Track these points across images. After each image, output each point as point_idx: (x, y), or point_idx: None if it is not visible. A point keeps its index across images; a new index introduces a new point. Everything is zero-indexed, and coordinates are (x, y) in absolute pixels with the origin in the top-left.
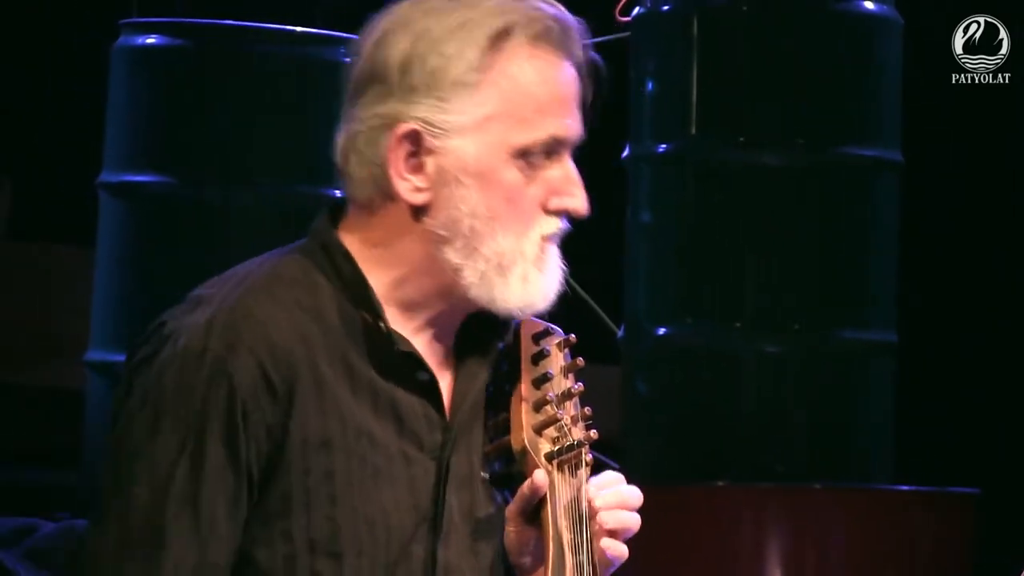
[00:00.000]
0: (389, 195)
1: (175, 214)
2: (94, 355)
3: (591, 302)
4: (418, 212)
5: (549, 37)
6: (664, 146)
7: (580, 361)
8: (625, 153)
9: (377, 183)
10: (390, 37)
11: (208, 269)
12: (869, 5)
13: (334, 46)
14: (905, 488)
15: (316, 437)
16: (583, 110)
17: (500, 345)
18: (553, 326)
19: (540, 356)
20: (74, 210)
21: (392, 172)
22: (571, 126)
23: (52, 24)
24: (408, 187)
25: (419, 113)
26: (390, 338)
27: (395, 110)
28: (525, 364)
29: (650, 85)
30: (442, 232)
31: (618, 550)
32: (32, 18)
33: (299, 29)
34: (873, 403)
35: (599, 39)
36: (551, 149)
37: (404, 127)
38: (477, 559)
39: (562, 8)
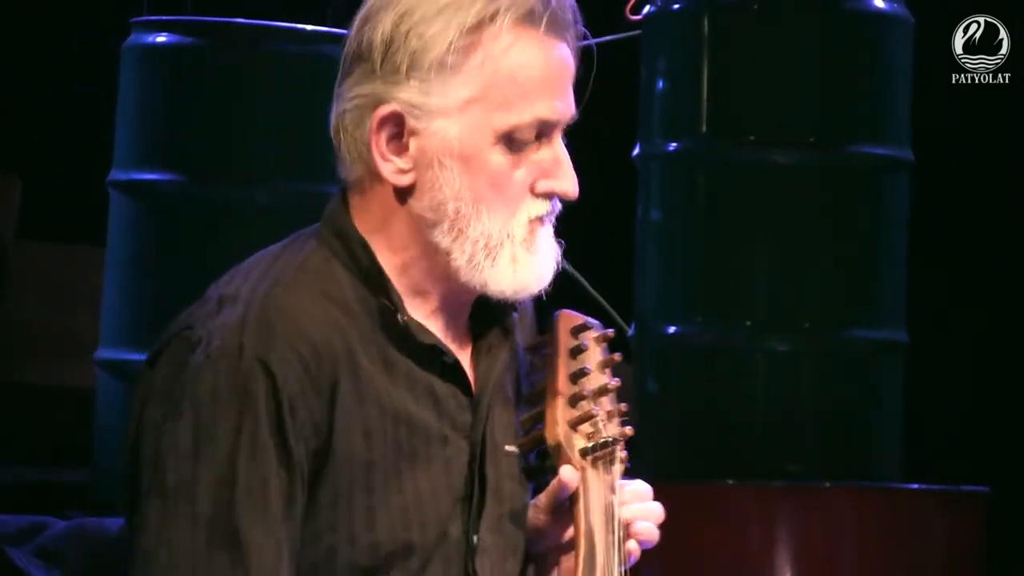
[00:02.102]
0: (377, 176)
1: (185, 212)
2: (104, 353)
3: (601, 300)
4: (404, 194)
5: (535, 18)
6: (674, 145)
7: (618, 356)
8: (635, 151)
9: (365, 163)
10: (376, 16)
11: (219, 267)
12: (880, 4)
13: (343, 44)
14: (915, 487)
15: (358, 428)
16: (576, 90)
17: (515, 315)
18: (592, 320)
19: (578, 351)
20: (84, 209)
21: (375, 153)
22: (559, 108)
23: (63, 22)
24: (392, 168)
25: (402, 94)
26: (409, 329)
27: (378, 90)
28: (562, 358)
29: (660, 84)
30: (428, 215)
31: (636, 552)
32: (42, 17)
33: (310, 27)
34: (883, 402)
35: (609, 37)
36: (539, 131)
37: (386, 108)
38: (503, 536)
39: None
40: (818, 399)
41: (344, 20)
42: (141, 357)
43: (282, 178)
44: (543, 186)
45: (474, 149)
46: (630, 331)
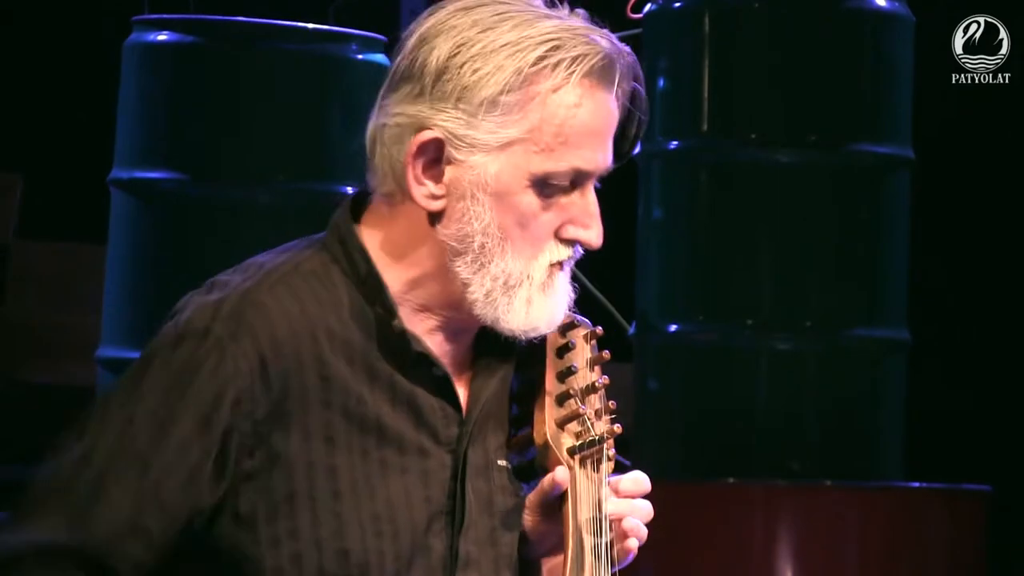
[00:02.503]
0: (408, 195)
1: (186, 211)
2: (106, 352)
3: (603, 299)
4: (433, 219)
5: (593, 71)
6: (676, 143)
7: (606, 354)
8: (636, 150)
9: (397, 180)
10: (434, 40)
11: (220, 266)
12: (881, 2)
13: (347, 43)
14: (917, 485)
15: (319, 432)
16: (621, 139)
17: (521, 342)
18: (580, 318)
19: (565, 349)
20: (85, 207)
21: (410, 175)
22: (599, 160)
23: (64, 20)
24: (424, 192)
25: (446, 122)
26: (403, 336)
27: (424, 114)
28: (550, 357)
29: (662, 82)
30: (454, 243)
31: (632, 549)
32: (44, 15)
33: (311, 26)
34: (885, 400)
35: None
36: (573, 180)
37: (429, 133)
38: (496, 548)
39: (615, 41)
40: (820, 398)
41: (345, 19)
42: None
43: (284, 177)
44: (569, 232)
45: (508, 188)
46: (631, 330)
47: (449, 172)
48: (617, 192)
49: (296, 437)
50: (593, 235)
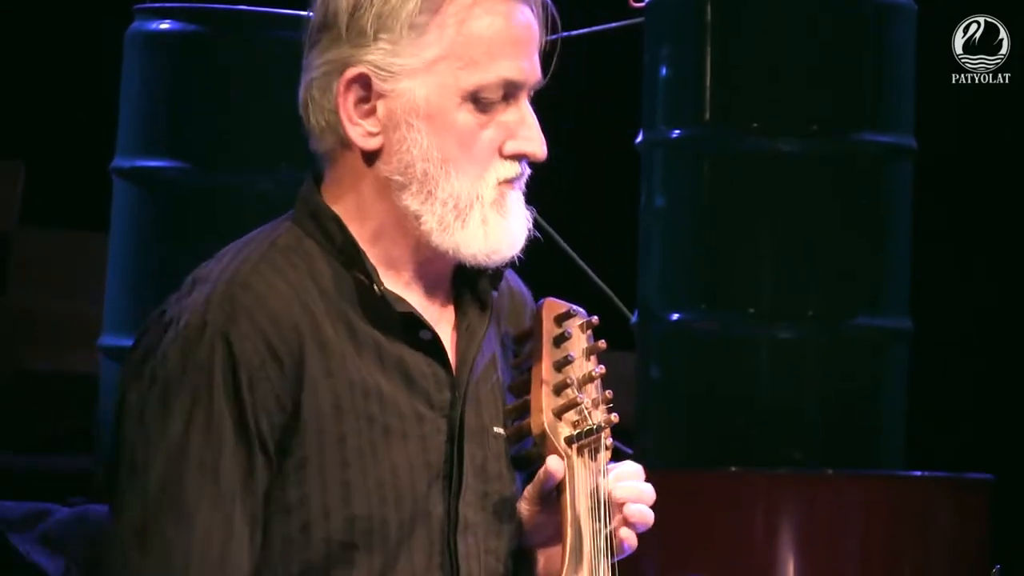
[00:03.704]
0: (346, 143)
1: (188, 199)
2: (107, 340)
3: (605, 288)
4: (372, 158)
5: None
6: (678, 132)
7: (602, 343)
8: (639, 139)
9: (334, 131)
10: None
11: None
12: None
13: None
14: (920, 474)
15: (327, 402)
16: (541, 54)
17: (494, 293)
18: (576, 307)
19: (562, 338)
20: (87, 195)
21: (343, 117)
22: (525, 68)
23: (66, 8)
24: (360, 132)
25: (368, 56)
26: (385, 300)
27: (345, 55)
28: (546, 346)
29: (664, 70)
30: (397, 177)
31: (632, 540)
32: (47, 2)
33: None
34: (888, 389)
35: (613, 24)
36: (506, 92)
37: (353, 71)
38: (489, 513)
39: None
40: (822, 387)
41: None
42: None
43: (285, 165)
44: (511, 147)
45: (441, 109)
46: (633, 318)
47: (381, 106)
48: (619, 180)
49: (309, 407)
50: (535, 146)
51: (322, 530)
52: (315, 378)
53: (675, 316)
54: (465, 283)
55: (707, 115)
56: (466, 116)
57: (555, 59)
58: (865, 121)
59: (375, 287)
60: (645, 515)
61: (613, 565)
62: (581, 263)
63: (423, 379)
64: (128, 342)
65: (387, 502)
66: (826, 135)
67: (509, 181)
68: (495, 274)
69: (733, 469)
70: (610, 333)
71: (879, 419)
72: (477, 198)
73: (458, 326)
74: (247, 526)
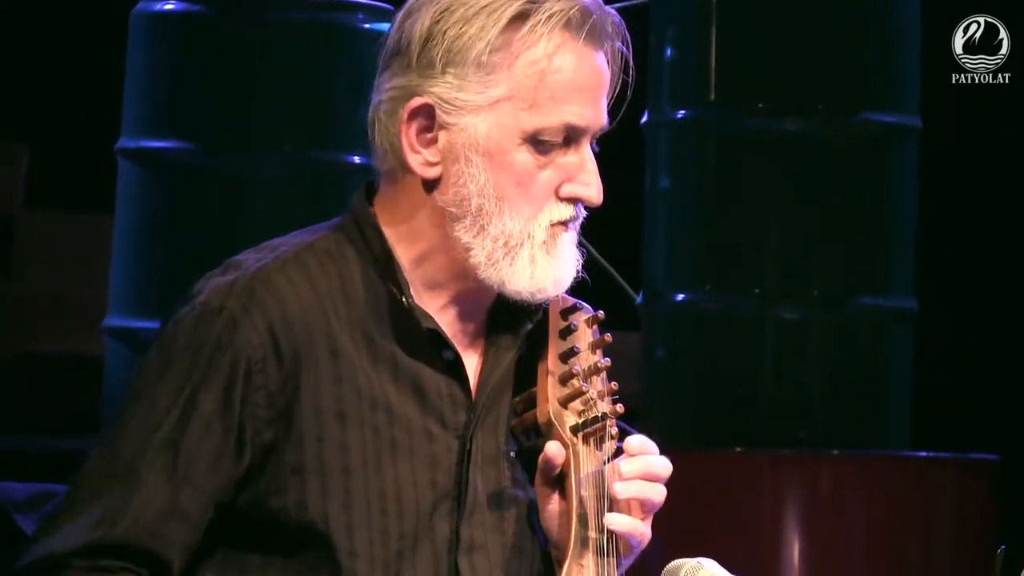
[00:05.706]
0: (407, 168)
1: (193, 180)
2: (112, 322)
3: (610, 268)
4: (430, 186)
5: (573, 25)
6: (683, 112)
7: (608, 337)
8: (644, 119)
9: (396, 154)
10: (416, 13)
11: (227, 235)
12: None
13: (353, 12)
14: (925, 454)
15: (330, 407)
16: (610, 98)
17: (529, 326)
18: (582, 302)
19: (568, 331)
20: (92, 176)
21: (405, 143)
22: (589, 115)
23: None
24: (420, 160)
25: (434, 88)
26: (413, 314)
27: (413, 83)
28: (552, 338)
29: (669, 51)
30: (452, 208)
31: (639, 531)
32: None
33: None
34: (892, 369)
35: (618, 5)
36: (567, 136)
37: (419, 100)
38: (504, 536)
39: (599, 2)
40: (827, 367)
41: None
42: (150, 325)
43: (291, 146)
44: (567, 190)
45: (500, 147)
46: (638, 299)
47: (442, 137)
48: (624, 161)
49: (308, 411)
50: (593, 192)
51: (322, 536)
52: (319, 383)
53: (680, 296)
54: (503, 310)
55: (712, 96)
56: (525, 156)
57: (626, 104)
58: (871, 101)
59: (404, 300)
60: (643, 491)
61: (616, 552)
62: (586, 243)
63: (438, 398)
64: (133, 323)
65: (388, 514)
66: (831, 115)
67: (563, 223)
68: (536, 307)
69: (738, 449)
70: (615, 314)
71: (884, 399)
72: (528, 237)
73: (486, 351)
74: (199, 508)
